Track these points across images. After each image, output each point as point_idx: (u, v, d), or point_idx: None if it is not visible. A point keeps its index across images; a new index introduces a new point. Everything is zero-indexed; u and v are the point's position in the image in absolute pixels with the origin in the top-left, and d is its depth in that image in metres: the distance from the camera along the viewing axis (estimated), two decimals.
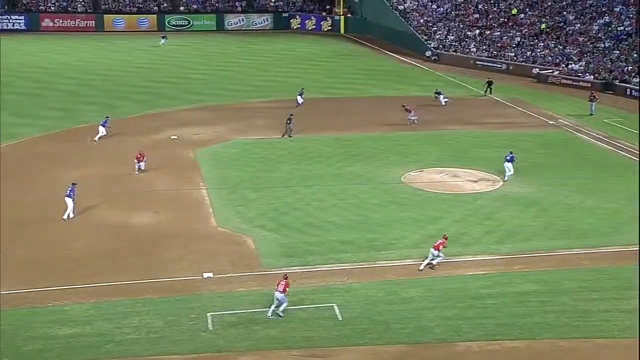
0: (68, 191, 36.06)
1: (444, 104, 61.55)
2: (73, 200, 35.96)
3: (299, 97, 61.78)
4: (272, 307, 26.86)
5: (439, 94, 62.55)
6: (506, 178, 42.64)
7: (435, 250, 31.04)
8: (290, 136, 51.44)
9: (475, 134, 53.53)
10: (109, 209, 37.43)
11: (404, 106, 55.97)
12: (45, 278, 29.61)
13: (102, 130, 50.50)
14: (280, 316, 26.74)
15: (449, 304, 28.04)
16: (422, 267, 30.93)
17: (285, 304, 26.79)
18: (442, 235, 31.99)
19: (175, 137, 51.15)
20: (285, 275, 27.81)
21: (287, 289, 26.88)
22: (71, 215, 35.90)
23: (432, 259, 31.04)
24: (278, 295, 26.81)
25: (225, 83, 71.56)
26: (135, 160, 43.04)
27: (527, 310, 27.65)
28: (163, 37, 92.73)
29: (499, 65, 79.36)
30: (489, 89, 65.75)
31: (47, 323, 26.51)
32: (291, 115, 52.41)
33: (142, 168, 43.05)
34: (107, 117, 52.09)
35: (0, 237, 33.31)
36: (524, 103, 63.33)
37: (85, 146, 49.20)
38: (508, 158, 43.34)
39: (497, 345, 25.33)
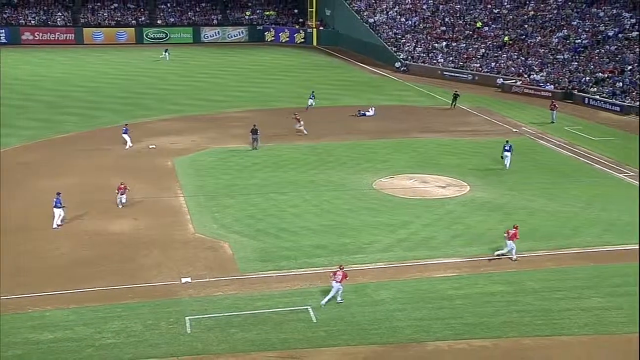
0: (55, 202, 35.71)
1: (370, 114, 61.30)
2: (63, 209, 35.72)
3: (310, 100, 63.26)
4: (328, 297, 27.79)
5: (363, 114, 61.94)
6: (508, 166, 45.57)
7: (510, 241, 31.85)
8: (255, 148, 50.38)
9: (443, 142, 53.86)
10: (88, 217, 37.11)
11: (294, 115, 55.99)
12: (26, 285, 29.23)
13: (127, 138, 50.80)
14: (340, 302, 27.80)
15: (419, 305, 28.12)
16: (496, 253, 32.29)
17: (341, 290, 27.87)
18: (512, 226, 32.72)
19: (154, 146, 50.88)
20: (341, 265, 28.82)
21: (344, 279, 27.82)
22: (58, 223, 35.61)
23: (509, 250, 31.91)
24: (335, 285, 27.77)
25: (201, 94, 71.38)
26: (117, 191, 38.82)
27: (494, 310, 27.83)
28: (165, 51, 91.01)
29: (465, 76, 79.99)
30: (454, 102, 65.47)
31: (28, 328, 26.20)
32: (255, 125, 51.48)
33: (124, 201, 38.73)
34: (125, 125, 52.50)
35: None
36: (489, 111, 63.88)
37: (65, 155, 48.75)
38: (507, 148, 46.16)
39: (465, 344, 25.44)
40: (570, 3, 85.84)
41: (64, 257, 32.31)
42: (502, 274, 30.98)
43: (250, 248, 33.48)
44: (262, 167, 46.59)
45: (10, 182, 42.74)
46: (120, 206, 38.56)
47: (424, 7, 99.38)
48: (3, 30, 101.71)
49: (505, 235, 32.49)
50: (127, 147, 50.56)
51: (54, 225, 35.44)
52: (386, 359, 24.54)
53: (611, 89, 67.71)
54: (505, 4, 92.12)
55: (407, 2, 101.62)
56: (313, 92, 65.29)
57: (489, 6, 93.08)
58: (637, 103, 63.78)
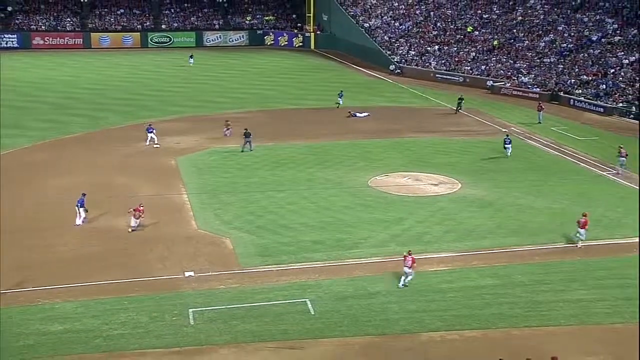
0: (79, 202, 35.47)
1: (360, 116, 61.09)
2: (84, 210, 35.46)
3: (339, 99, 63.49)
4: (403, 279, 28.96)
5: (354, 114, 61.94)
6: (509, 155, 48.45)
7: (582, 229, 32.55)
8: (250, 149, 49.69)
9: (436, 141, 53.85)
10: (96, 214, 37.05)
11: (226, 121, 54.63)
12: (36, 279, 29.25)
13: (153, 136, 51.13)
14: (406, 286, 28.78)
15: (412, 297, 28.15)
16: (579, 245, 33.00)
17: (412, 277, 28.92)
18: (581, 214, 33.51)
19: (158, 145, 50.80)
20: (409, 251, 29.40)
21: (414, 263, 28.90)
22: (78, 223, 35.34)
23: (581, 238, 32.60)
24: (407, 270, 28.88)
25: (204, 95, 71.28)
26: (131, 214, 34.60)
27: (484, 302, 27.88)
28: (190, 56, 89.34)
29: (457, 78, 79.97)
30: (459, 107, 63.69)
31: (39, 320, 26.25)
32: (246, 129, 50.81)
33: (137, 224, 34.52)
34: (150, 124, 52.77)
35: None
36: (479, 112, 63.86)
37: (73, 154, 48.69)
38: (507, 141, 49.08)
39: (456, 335, 25.49)
40: (556, 9, 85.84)
41: (73, 252, 32.31)
42: (492, 267, 31.04)
43: (251, 243, 33.49)
44: (261, 166, 46.57)
45: (20, 181, 42.67)
46: (131, 230, 34.34)
47: (417, 12, 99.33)
48: (15, 36, 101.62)
49: (577, 224, 33.17)
50: (147, 143, 50.80)
51: (77, 222, 35.33)
52: (381, 349, 24.56)
53: (595, 90, 67.76)
54: (495, 9, 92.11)
55: (400, 7, 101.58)
56: (342, 91, 65.84)
57: (479, 12, 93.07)
58: (620, 104, 63.83)
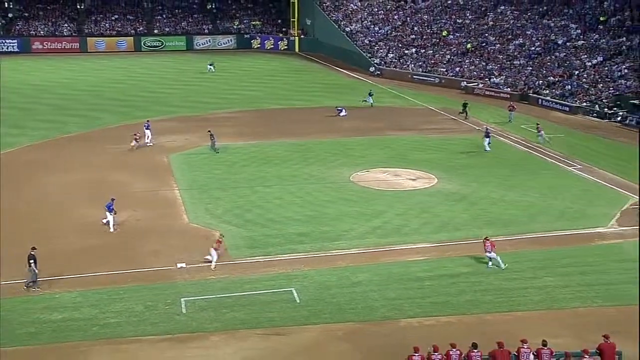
0: (107, 206, 33.99)
1: (343, 115, 60.66)
2: (114, 213, 33.96)
3: (369, 98, 63.64)
4: (490, 263, 29.72)
5: (339, 109, 61.37)
6: (488, 149, 48.79)
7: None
8: (216, 151, 48.60)
9: (414, 139, 53.89)
10: (92, 209, 36.78)
11: (134, 134, 49.53)
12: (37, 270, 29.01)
13: (148, 133, 50.52)
14: (502, 268, 29.48)
15: (392, 286, 28.21)
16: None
17: (498, 258, 29.65)
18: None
19: (151, 143, 50.51)
20: (486, 237, 30.30)
21: (494, 247, 29.70)
22: (111, 229, 33.76)
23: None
24: (490, 255, 29.65)
25: (194, 96, 70.87)
26: (214, 246, 30.30)
27: (459, 289, 27.98)
28: (210, 64, 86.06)
29: (433, 79, 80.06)
30: (465, 112, 60.40)
31: (40, 309, 26.14)
32: (210, 130, 50.30)
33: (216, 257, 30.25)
34: (147, 121, 52.06)
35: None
36: (454, 111, 63.89)
37: (71, 153, 48.36)
38: (486, 134, 49.54)
39: (433, 321, 25.59)
40: (524, 15, 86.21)
41: (71, 246, 32.11)
42: (467, 257, 31.12)
43: (240, 236, 33.40)
44: (249, 163, 46.44)
45: (21, 178, 42.34)
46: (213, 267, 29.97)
47: (396, 17, 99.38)
48: (15, 41, 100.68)
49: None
50: (147, 141, 50.26)
51: (112, 229, 33.77)
52: (363, 335, 24.58)
53: (561, 91, 68.10)
54: (468, 15, 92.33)
55: (380, 12, 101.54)
56: (371, 90, 65.89)
57: (453, 17, 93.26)
58: (584, 104, 64.23)
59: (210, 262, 29.79)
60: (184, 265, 29.98)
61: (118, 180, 42.01)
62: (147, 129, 50.98)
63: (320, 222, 35.29)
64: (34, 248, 28.16)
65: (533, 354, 21.31)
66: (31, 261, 27.56)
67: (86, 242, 32.52)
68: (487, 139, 49.47)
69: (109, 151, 48.87)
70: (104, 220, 34.17)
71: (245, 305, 26.48)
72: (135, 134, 45.62)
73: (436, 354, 21.01)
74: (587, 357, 21.08)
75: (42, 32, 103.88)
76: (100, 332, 24.58)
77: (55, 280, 28.20)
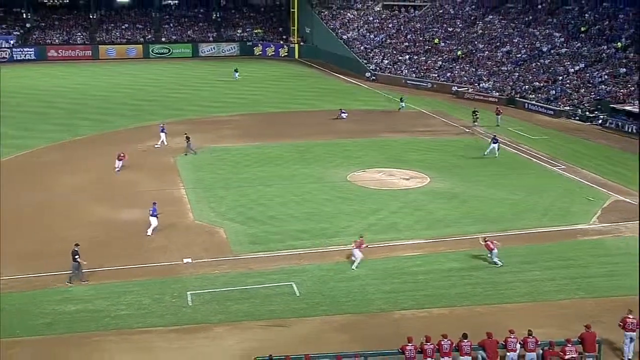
0: (151, 210, 32.87)
1: (344, 117, 60.51)
2: (157, 218, 32.81)
3: (401, 104, 63.12)
4: (496, 260, 29.39)
5: (343, 111, 61.13)
6: (497, 156, 47.47)
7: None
8: (194, 153, 48.02)
9: (407, 140, 53.84)
10: (103, 207, 36.83)
11: (120, 154, 43.99)
12: (52, 265, 28.94)
13: (163, 136, 50.27)
14: (500, 264, 29.29)
15: (387, 280, 28.18)
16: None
17: (496, 256, 29.39)
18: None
19: (158, 145, 50.43)
20: (484, 238, 30.11)
21: (492, 245, 29.37)
22: (149, 232, 32.64)
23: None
24: (493, 252, 29.34)
25: (200, 100, 70.81)
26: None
27: (450, 283, 27.96)
28: (235, 71, 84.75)
29: (425, 84, 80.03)
30: (475, 119, 58.35)
31: (55, 301, 26.14)
32: (186, 133, 49.76)
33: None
34: (163, 124, 51.84)
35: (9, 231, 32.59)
36: (445, 114, 63.97)
37: (82, 154, 48.28)
38: (494, 140, 48.07)
39: (426, 313, 25.58)
40: (512, 24, 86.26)
41: (84, 241, 31.85)
42: (458, 252, 31.10)
43: (242, 233, 33.36)
44: (251, 163, 46.38)
45: (36, 178, 42.30)
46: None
47: (390, 25, 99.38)
48: (32, 49, 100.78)
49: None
50: (158, 144, 50.04)
51: (149, 233, 32.64)
52: (359, 326, 24.55)
53: (546, 95, 68.06)
54: (458, 23, 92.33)
55: (375, 21, 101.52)
56: (402, 96, 65.47)
57: (445, 25, 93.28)
58: (567, 107, 64.23)
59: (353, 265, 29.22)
60: (189, 260, 29.93)
61: (127, 180, 41.96)
62: (162, 132, 50.81)
63: (319, 220, 35.25)
64: (77, 244, 28.07)
65: (519, 343, 21.35)
66: (76, 256, 27.56)
67: (98, 239, 32.42)
68: (495, 145, 47.83)
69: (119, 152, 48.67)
70: (151, 228, 32.73)
71: (248, 298, 26.44)
72: (120, 154, 40.43)
73: (428, 344, 21.02)
74: (570, 345, 21.14)
75: (57, 41, 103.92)
76: (112, 323, 24.56)
77: (69, 274, 28.08)
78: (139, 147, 49.23)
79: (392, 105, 66.53)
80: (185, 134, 49.81)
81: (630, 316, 22.38)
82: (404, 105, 64.96)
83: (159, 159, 47.29)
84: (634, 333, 22.33)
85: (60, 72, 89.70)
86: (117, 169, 42.42)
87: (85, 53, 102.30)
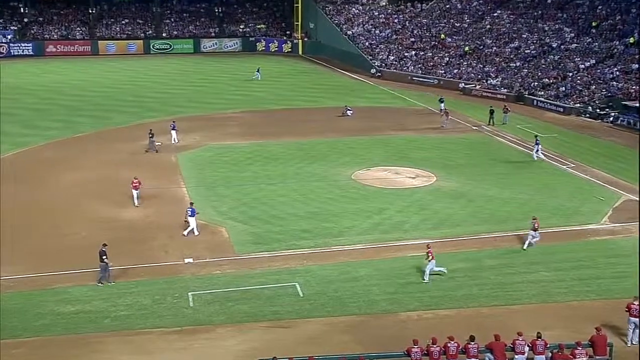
0: (189, 211, 32.85)
1: (350, 115, 60.62)
2: (195, 218, 32.84)
3: (441, 104, 61.28)
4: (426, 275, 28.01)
5: (349, 109, 61.05)
6: (535, 158, 46.41)
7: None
8: (153, 150, 47.84)
9: (413, 138, 53.78)
10: (103, 206, 36.91)
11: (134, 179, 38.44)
12: (51, 265, 29.09)
13: (174, 134, 50.51)
14: (444, 273, 28.32)
15: (392, 281, 28.14)
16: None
17: (435, 265, 28.14)
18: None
19: (159, 143, 50.36)
20: (427, 244, 28.98)
21: (430, 254, 28.13)
22: (195, 233, 32.63)
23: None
24: (431, 262, 28.04)
25: (201, 97, 70.85)
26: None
27: (457, 284, 27.92)
28: (257, 70, 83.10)
29: (432, 81, 79.91)
30: (491, 119, 57.82)
31: (54, 302, 26.19)
32: (151, 130, 49.71)
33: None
34: (173, 122, 51.99)
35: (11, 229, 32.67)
36: (452, 112, 63.51)
37: (82, 152, 48.38)
38: (537, 141, 46.94)
39: (432, 314, 25.55)
40: (520, 19, 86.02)
41: (84, 241, 32.09)
42: (464, 253, 31.10)
43: (245, 232, 33.39)
44: (254, 162, 46.41)
45: (36, 176, 42.40)
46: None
47: (396, 21, 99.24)
48: (30, 44, 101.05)
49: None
50: (173, 141, 50.24)
51: (196, 232, 32.68)
52: (364, 328, 24.57)
53: (555, 92, 67.90)
54: (466, 19, 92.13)
55: (381, 16, 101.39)
56: (441, 97, 63.58)
57: (452, 21, 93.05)
58: (577, 105, 64.07)
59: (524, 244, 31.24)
60: (191, 260, 29.98)
61: (128, 178, 41.83)
62: (173, 129, 50.88)
63: (323, 219, 35.23)
64: (105, 245, 28.11)
65: (528, 345, 21.31)
66: (104, 257, 27.59)
67: (97, 238, 32.24)
68: (537, 146, 46.67)
69: (119, 150, 48.88)
70: (188, 229, 32.69)
71: (251, 299, 26.47)
72: (134, 181, 36.65)
73: (435, 346, 21.01)
74: (580, 348, 21.08)
75: (55, 36, 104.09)
76: (111, 325, 24.61)
77: (68, 275, 28.21)
78: (157, 143, 49.13)
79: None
80: (150, 130, 49.80)
81: (636, 302, 23.02)
82: (443, 106, 61.16)
83: (160, 156, 47.35)
84: (638, 319, 22.92)
85: (59, 69, 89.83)
86: (136, 203, 36.58)
87: (85, 48, 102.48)
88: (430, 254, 28.17)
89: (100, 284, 27.54)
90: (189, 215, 33.00)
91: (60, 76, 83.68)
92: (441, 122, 57.18)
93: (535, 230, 31.62)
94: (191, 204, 33.90)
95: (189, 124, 57.66)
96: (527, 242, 31.51)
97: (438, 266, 28.33)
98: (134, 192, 36.53)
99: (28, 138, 51.71)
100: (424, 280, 27.91)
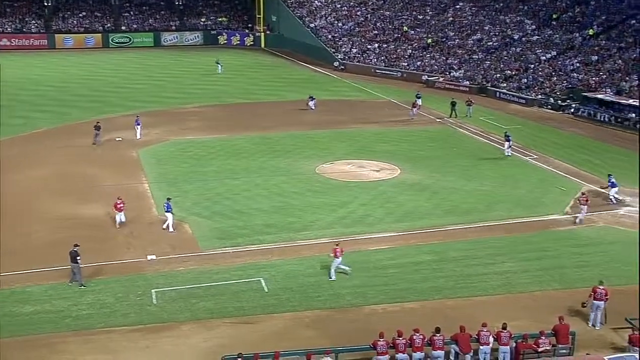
0: (165, 206, 32.73)
1: (313, 108, 60.66)
2: (172, 213, 32.62)
3: (418, 100, 59.39)
4: (345, 268, 27.96)
5: (312, 98, 61.09)
6: (507, 154, 46.26)
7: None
8: (99, 143, 47.92)
9: (377, 131, 54.03)
10: (64, 203, 36.31)
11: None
12: (8, 264, 28.45)
13: (138, 129, 49.84)
14: (348, 272, 27.97)
15: (357, 274, 28.24)
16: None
17: (340, 264, 27.86)
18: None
19: (120, 139, 49.83)
20: (336, 243, 28.48)
21: (341, 253, 27.73)
22: (170, 229, 32.48)
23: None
24: (337, 261, 27.72)
25: (162, 91, 70.03)
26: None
27: (422, 276, 28.20)
28: (217, 62, 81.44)
29: (395, 73, 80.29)
30: (453, 111, 58.22)
31: (12, 302, 25.69)
32: (98, 122, 49.53)
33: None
34: (137, 116, 51.31)
35: None
36: (416, 104, 64.07)
37: (40, 148, 47.49)
38: (507, 139, 46.66)
39: (397, 307, 25.75)
40: (482, 11, 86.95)
41: (43, 239, 31.58)
42: (429, 245, 31.39)
43: (208, 228, 33.21)
44: (217, 156, 46.13)
45: None
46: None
47: (358, 13, 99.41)
48: None
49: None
50: (137, 137, 49.66)
51: (171, 229, 32.43)
52: (329, 322, 24.66)
53: (517, 84, 68.88)
54: (428, 11, 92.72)
55: (343, 9, 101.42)
56: (418, 92, 62.57)
57: (414, 13, 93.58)
58: (539, 96, 65.10)
59: (576, 219, 33.79)
60: (154, 257, 29.71)
61: (89, 174, 41.44)
62: (137, 124, 50.25)
63: (287, 213, 35.23)
64: (76, 245, 27.51)
65: (493, 336, 21.63)
66: (77, 257, 27.01)
67: (58, 235, 31.96)
68: (508, 142, 46.30)
69: (79, 145, 48.08)
70: (165, 224, 32.65)
71: (215, 295, 26.36)
72: (117, 202, 33.23)
73: (400, 338, 21.19)
74: (544, 338, 21.49)
75: (9, 29, 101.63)
76: (72, 324, 24.26)
77: (27, 274, 27.70)
78: (117, 138, 48.49)
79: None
80: (97, 122, 49.24)
81: (600, 287, 24.14)
82: (419, 102, 60.35)
83: (121, 152, 46.75)
84: (602, 302, 23.87)
85: (14, 63, 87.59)
86: (118, 224, 33.17)
87: (41, 42, 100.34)
88: (335, 252, 27.84)
89: (71, 284, 27.04)
90: (165, 211, 32.74)
91: (14, 70, 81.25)
92: (410, 114, 57.36)
93: (585, 203, 33.82)
94: (168, 199, 33.51)
95: (150, 119, 56.91)
96: (578, 218, 33.76)
97: (344, 264, 28.05)
98: (117, 215, 32.95)
99: None
100: (330, 277, 27.71)
